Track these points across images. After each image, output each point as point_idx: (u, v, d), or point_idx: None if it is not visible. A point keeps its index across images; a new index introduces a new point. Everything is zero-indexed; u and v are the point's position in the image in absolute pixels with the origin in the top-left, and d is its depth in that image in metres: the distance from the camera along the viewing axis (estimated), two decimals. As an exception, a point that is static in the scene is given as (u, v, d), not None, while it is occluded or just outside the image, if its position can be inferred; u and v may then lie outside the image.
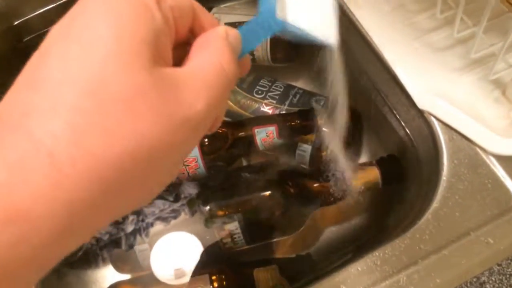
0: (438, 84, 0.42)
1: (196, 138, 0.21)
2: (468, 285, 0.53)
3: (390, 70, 0.44)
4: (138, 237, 0.52)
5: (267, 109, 0.53)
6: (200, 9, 0.23)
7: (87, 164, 0.17)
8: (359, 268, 0.38)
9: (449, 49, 0.43)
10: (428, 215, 0.39)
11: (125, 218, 0.51)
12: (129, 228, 0.51)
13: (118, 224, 0.51)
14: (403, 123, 0.46)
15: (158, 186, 0.21)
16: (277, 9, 0.28)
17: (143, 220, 0.51)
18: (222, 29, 0.23)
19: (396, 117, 0.47)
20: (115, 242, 0.51)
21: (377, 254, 0.38)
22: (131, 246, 0.52)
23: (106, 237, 0.50)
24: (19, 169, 0.16)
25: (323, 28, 0.30)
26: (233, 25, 0.58)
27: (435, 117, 0.41)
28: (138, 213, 0.50)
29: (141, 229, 0.52)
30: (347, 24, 0.48)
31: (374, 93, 0.50)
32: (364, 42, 0.46)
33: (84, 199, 0.17)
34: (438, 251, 0.37)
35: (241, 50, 0.26)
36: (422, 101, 0.42)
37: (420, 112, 0.42)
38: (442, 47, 0.43)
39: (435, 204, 0.39)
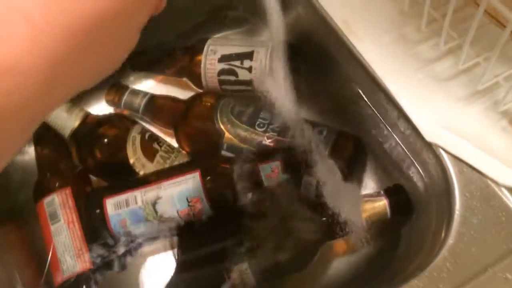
0: (444, 115, 0.42)
1: (146, 7, 0.25)
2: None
3: (395, 101, 0.44)
4: (129, 257, 0.51)
5: (268, 142, 0.53)
6: None
7: (59, 20, 0.20)
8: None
9: (453, 79, 0.43)
10: (444, 252, 0.38)
11: (116, 241, 0.50)
12: (121, 250, 0.50)
13: (110, 247, 0.50)
14: (410, 155, 0.46)
15: (123, 50, 0.25)
16: None
17: (133, 241, 0.51)
18: None
19: (403, 149, 0.47)
20: (107, 265, 0.50)
21: (395, 294, 0.37)
22: (123, 267, 0.51)
23: (98, 260, 0.49)
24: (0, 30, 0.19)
25: None
26: (230, 57, 0.58)
27: (443, 149, 0.41)
28: (128, 234, 0.50)
29: (131, 250, 0.51)
30: (348, 56, 0.48)
31: (378, 124, 0.49)
32: (367, 74, 0.46)
33: (61, 54, 0.21)
34: (457, 290, 0.36)
35: None
36: (429, 133, 0.41)
37: (428, 144, 0.42)
38: (446, 77, 0.43)
39: (450, 240, 0.38)
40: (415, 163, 0.45)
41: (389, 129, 0.47)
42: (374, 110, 0.48)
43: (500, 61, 0.42)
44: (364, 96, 0.49)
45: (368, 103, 0.49)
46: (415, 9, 0.46)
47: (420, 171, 0.45)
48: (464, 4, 0.45)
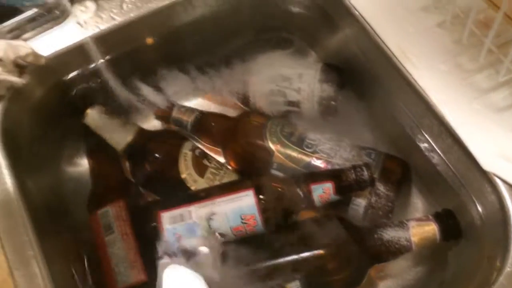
0: (501, 144, 0.43)
1: None
2: None
3: (450, 129, 0.45)
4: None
5: (318, 163, 0.54)
6: None
7: None
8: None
9: (510, 109, 0.44)
10: (502, 279, 0.39)
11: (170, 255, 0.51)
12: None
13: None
14: (463, 182, 0.47)
15: None
16: None
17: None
18: None
19: (456, 176, 0.48)
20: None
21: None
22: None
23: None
24: None
25: None
26: (279, 78, 0.59)
27: (500, 178, 0.42)
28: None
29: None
30: (401, 82, 0.49)
31: (429, 150, 0.50)
32: (421, 101, 0.47)
33: None
34: (518, 319, 0.37)
35: None
36: (486, 162, 0.43)
37: (484, 173, 0.43)
38: (503, 107, 0.44)
39: (508, 268, 0.39)
40: (468, 190, 0.46)
41: (442, 156, 0.48)
42: (426, 135, 0.50)
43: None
44: (415, 122, 0.51)
45: (420, 129, 0.50)
46: (471, 40, 0.47)
47: (473, 198, 0.46)
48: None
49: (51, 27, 0.57)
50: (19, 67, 0.53)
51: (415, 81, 0.47)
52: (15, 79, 0.52)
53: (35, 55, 0.53)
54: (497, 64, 0.44)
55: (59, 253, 0.50)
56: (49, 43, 0.56)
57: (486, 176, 0.43)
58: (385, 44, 0.50)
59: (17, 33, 0.56)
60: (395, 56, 0.49)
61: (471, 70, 0.47)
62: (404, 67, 0.48)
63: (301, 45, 0.65)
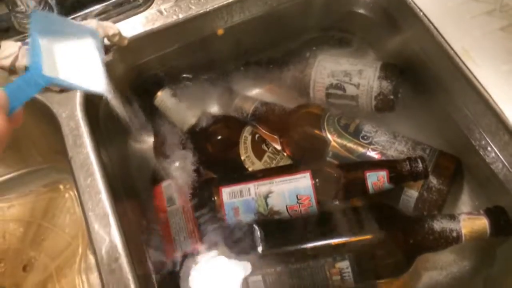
0: (559, 143, 0.44)
1: None
2: None
3: (508, 127, 0.47)
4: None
5: (373, 154, 0.56)
6: None
7: None
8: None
9: None
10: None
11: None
12: None
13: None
14: (514, 178, 0.48)
15: None
16: (43, 67, 0.32)
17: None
18: None
19: (508, 170, 0.49)
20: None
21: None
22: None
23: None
24: None
25: (92, 80, 0.35)
26: (340, 73, 0.62)
27: (556, 175, 0.43)
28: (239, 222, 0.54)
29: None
30: (462, 81, 0.51)
31: (484, 148, 0.52)
32: (481, 99, 0.49)
33: None
34: None
35: (11, 106, 0.30)
36: (543, 158, 0.44)
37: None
38: (562, 108, 0.46)
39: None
40: (523, 186, 0.48)
41: (498, 153, 0.50)
42: (483, 133, 0.51)
43: None
44: (473, 120, 0.52)
45: (478, 127, 0.52)
46: (534, 43, 0.49)
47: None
48: None
49: (134, 14, 0.62)
50: (105, 45, 0.59)
51: (477, 79, 0.49)
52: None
53: (121, 36, 0.58)
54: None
55: (128, 214, 0.54)
56: (131, 27, 0.61)
57: (542, 173, 0.44)
58: (448, 44, 0.52)
59: (103, 17, 0.62)
60: (457, 55, 0.51)
61: (532, 72, 0.48)
62: (466, 66, 0.50)
63: (362, 44, 0.68)
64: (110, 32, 0.57)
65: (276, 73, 0.68)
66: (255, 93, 0.70)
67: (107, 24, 0.57)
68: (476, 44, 0.51)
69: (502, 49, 0.50)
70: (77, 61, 0.38)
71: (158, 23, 0.61)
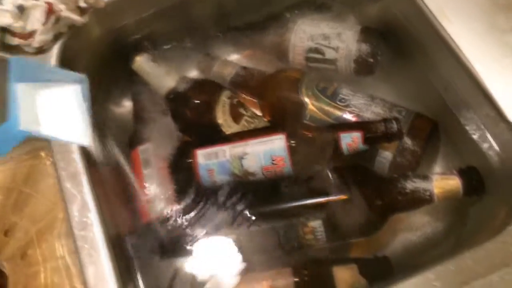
0: (529, 99, 0.44)
1: None
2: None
3: (481, 84, 0.47)
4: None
5: (350, 117, 0.56)
6: None
7: None
8: (451, 267, 0.39)
9: (542, 67, 0.45)
10: (516, 225, 0.40)
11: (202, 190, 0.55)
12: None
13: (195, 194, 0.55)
14: (489, 136, 0.48)
15: None
16: (23, 120, 0.30)
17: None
18: None
19: (481, 131, 0.49)
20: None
21: (468, 255, 0.40)
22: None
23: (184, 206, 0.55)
24: None
25: (76, 132, 0.32)
26: (319, 36, 0.62)
27: (526, 130, 0.43)
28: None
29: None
30: (436, 39, 0.51)
31: (458, 106, 0.52)
32: (454, 57, 0.49)
33: None
34: (531, 256, 0.39)
35: None
36: (513, 114, 0.44)
37: (511, 125, 0.44)
38: (535, 65, 0.46)
39: (524, 213, 0.41)
40: (494, 144, 0.48)
41: (472, 112, 0.50)
42: (458, 93, 0.51)
43: None
44: (448, 81, 0.52)
45: (453, 86, 0.52)
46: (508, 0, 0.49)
47: (499, 151, 0.47)
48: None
49: (112, -24, 0.61)
50: (80, 8, 0.58)
51: (451, 38, 0.49)
52: (76, 17, 0.57)
53: (96, -3, 0.57)
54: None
55: (103, 176, 0.54)
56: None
57: (512, 128, 0.44)
58: (424, 3, 0.52)
59: (80, -21, 0.61)
60: (433, 14, 0.51)
61: (506, 30, 0.48)
62: (441, 25, 0.50)
63: (343, 9, 0.68)
64: (85, -7, 0.56)
65: (257, 38, 0.67)
66: (235, 58, 0.69)
67: (82, -16, 0.57)
68: (452, 2, 0.51)
69: (476, 7, 0.50)
70: (60, 110, 0.35)
71: (136, -14, 0.60)
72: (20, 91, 0.33)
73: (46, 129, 0.31)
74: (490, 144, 0.48)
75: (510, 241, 0.40)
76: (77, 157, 0.50)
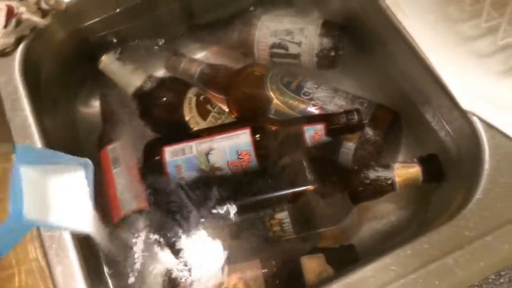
0: (480, 86, 0.46)
1: None
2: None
3: (435, 74, 0.48)
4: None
5: (314, 109, 0.57)
6: None
7: None
8: (408, 252, 0.41)
9: (492, 55, 0.47)
10: (472, 205, 0.42)
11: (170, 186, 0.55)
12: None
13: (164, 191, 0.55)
14: (445, 124, 0.50)
15: None
16: (27, 209, 0.29)
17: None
18: None
19: (437, 119, 0.51)
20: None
21: (424, 239, 0.41)
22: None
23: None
24: None
25: (79, 222, 0.32)
26: (282, 32, 0.63)
27: (477, 117, 0.45)
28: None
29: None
30: (393, 32, 0.52)
31: (415, 96, 0.53)
32: (409, 48, 0.50)
33: None
34: (482, 237, 0.40)
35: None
36: (465, 102, 0.46)
37: (463, 113, 0.46)
38: (485, 53, 0.47)
39: (478, 195, 0.42)
40: (450, 131, 0.49)
41: (429, 101, 0.51)
42: (415, 84, 0.53)
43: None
44: (406, 71, 0.54)
45: (410, 77, 0.53)
46: (459, -9, 0.50)
47: (454, 137, 0.49)
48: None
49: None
50: (42, 10, 0.58)
51: (405, 29, 0.50)
52: (37, 19, 0.57)
53: (57, -1, 0.57)
54: (483, 13, 0.47)
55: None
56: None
57: (465, 115, 0.46)
58: (382, -1, 0.53)
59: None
60: (389, 8, 0.52)
61: (458, 20, 0.50)
62: (396, 17, 0.51)
63: (306, 4, 0.69)
64: (46, -5, 0.56)
65: (222, 35, 0.68)
66: (202, 55, 0.70)
67: (42, -14, 0.57)
68: (407, -4, 0.52)
69: (430, -1, 0.51)
70: (64, 198, 0.34)
71: (98, -15, 0.60)
72: (25, 176, 0.31)
73: (52, 219, 0.31)
74: (446, 131, 0.50)
75: (464, 225, 0.41)
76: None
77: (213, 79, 0.65)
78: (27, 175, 0.32)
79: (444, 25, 0.49)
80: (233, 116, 0.63)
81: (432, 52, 0.48)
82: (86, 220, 0.33)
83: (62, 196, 0.33)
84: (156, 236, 0.54)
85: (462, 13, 0.50)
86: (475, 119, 0.45)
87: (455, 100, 0.46)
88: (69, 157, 0.38)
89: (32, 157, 0.34)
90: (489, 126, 0.44)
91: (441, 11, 0.50)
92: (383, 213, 0.57)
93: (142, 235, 0.55)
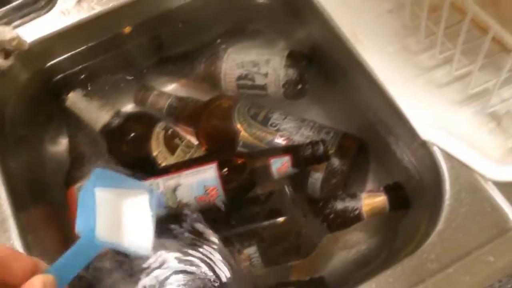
0: (439, 116, 0.47)
1: None
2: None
3: (394, 105, 0.49)
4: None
5: (281, 140, 0.58)
6: (10, 259, 0.25)
7: None
8: (373, 286, 0.41)
9: (448, 85, 0.48)
10: (434, 236, 0.42)
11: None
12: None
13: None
14: (407, 153, 0.51)
15: None
16: (98, 231, 0.29)
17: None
18: (37, 281, 0.25)
19: (401, 148, 0.51)
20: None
21: (389, 273, 0.41)
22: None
23: None
24: None
25: (141, 243, 0.33)
26: (248, 63, 0.63)
27: (437, 147, 0.46)
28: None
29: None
30: (354, 63, 0.53)
31: (379, 126, 0.54)
32: (370, 80, 0.51)
33: None
34: (444, 270, 0.40)
35: (63, 280, 0.28)
36: (425, 132, 0.46)
37: (423, 143, 0.47)
38: (442, 83, 0.48)
39: (439, 226, 0.43)
40: (413, 160, 0.50)
41: (391, 131, 0.52)
42: (377, 113, 0.53)
43: (491, 70, 0.47)
44: (368, 102, 0.54)
45: (372, 108, 0.54)
46: (416, 23, 0.51)
47: (417, 167, 0.49)
48: (459, 19, 0.50)
49: (37, 16, 0.61)
50: (5, 51, 0.58)
51: (365, 61, 0.51)
52: (0, 61, 0.57)
53: (19, 40, 0.57)
54: (440, 45, 0.48)
55: (35, 226, 0.54)
56: (34, 30, 0.60)
57: (425, 145, 0.46)
58: (340, 29, 0.54)
59: (5, 21, 0.61)
60: (348, 40, 0.53)
61: (416, 51, 0.51)
62: (355, 49, 0.52)
63: (272, 35, 0.70)
64: (8, 37, 0.56)
65: (190, 67, 0.68)
66: (171, 88, 0.70)
67: (3, 28, 0.57)
68: (366, 27, 0.53)
69: (389, 31, 0.52)
70: (132, 220, 0.34)
71: (62, 25, 0.60)
72: (99, 198, 0.31)
73: (120, 240, 0.30)
74: (410, 161, 0.50)
75: (426, 257, 0.41)
76: (3, 201, 0.49)
77: (181, 112, 0.65)
78: (100, 197, 0.32)
79: (403, 56, 0.50)
80: (203, 148, 0.63)
81: (391, 83, 0.49)
82: (147, 243, 0.33)
83: (130, 219, 0.34)
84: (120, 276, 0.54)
85: (419, 45, 0.51)
86: (435, 149, 0.46)
87: (414, 130, 0.47)
88: (135, 181, 0.38)
89: (105, 179, 0.34)
90: (449, 156, 0.45)
91: (400, 43, 0.51)
92: (353, 243, 0.57)
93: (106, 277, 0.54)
